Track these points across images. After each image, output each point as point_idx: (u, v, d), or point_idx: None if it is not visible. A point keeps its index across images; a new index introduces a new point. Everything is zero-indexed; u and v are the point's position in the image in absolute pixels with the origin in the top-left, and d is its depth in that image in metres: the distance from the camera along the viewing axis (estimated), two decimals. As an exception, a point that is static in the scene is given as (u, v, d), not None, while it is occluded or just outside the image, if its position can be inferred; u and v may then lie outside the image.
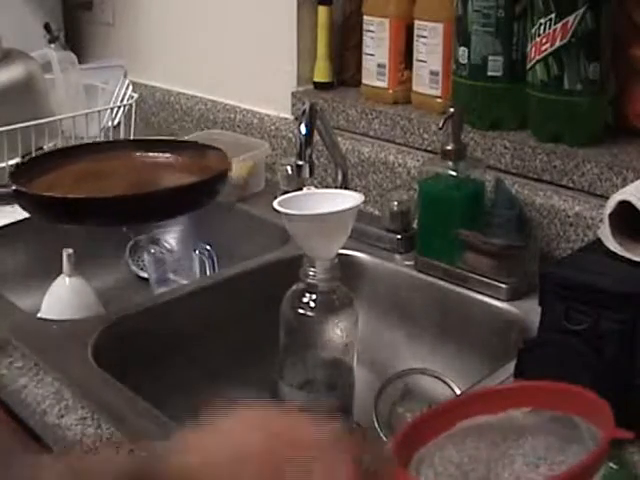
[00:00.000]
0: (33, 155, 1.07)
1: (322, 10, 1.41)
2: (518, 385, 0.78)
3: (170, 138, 1.37)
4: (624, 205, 0.82)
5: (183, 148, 1.13)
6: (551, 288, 0.78)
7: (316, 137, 1.32)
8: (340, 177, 1.26)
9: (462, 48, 1.19)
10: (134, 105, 1.54)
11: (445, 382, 1.03)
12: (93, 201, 0.92)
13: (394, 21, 1.31)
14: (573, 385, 0.69)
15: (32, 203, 0.95)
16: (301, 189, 1.28)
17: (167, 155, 1.06)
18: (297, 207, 0.86)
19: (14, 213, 1.34)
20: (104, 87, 1.60)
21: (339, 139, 1.35)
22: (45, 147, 1.43)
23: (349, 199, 0.87)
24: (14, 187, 0.94)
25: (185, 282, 1.28)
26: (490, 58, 1.18)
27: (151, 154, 1.06)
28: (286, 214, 0.85)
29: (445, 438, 0.70)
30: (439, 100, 1.28)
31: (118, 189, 0.97)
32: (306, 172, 1.05)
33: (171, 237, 1.44)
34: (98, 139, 1.51)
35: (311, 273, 0.91)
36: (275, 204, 0.84)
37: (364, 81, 1.38)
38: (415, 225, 1.17)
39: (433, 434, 0.70)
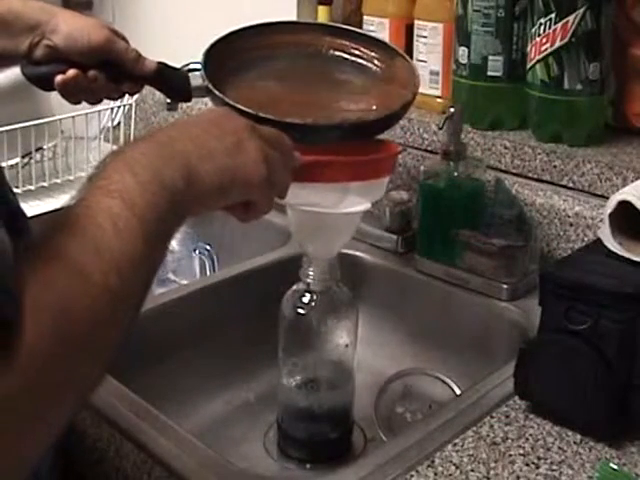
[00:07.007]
0: (224, 34, 0.98)
1: (322, 10, 1.41)
2: None
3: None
4: (624, 205, 0.82)
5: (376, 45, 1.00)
6: (551, 288, 0.78)
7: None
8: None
9: (462, 48, 1.19)
10: (134, 105, 1.54)
11: (445, 382, 1.03)
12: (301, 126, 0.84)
13: (394, 21, 1.31)
14: None
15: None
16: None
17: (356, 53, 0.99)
18: None
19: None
20: (104, 87, 1.60)
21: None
22: (45, 147, 1.43)
23: None
24: (208, 84, 0.88)
25: (185, 282, 1.28)
26: (490, 58, 1.18)
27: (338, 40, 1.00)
28: (292, 207, 0.85)
29: None
30: (439, 100, 1.28)
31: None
32: None
33: (171, 237, 1.44)
34: (99, 139, 1.51)
35: (311, 273, 0.91)
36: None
37: (364, 81, 1.38)
38: (415, 225, 1.17)
39: None
